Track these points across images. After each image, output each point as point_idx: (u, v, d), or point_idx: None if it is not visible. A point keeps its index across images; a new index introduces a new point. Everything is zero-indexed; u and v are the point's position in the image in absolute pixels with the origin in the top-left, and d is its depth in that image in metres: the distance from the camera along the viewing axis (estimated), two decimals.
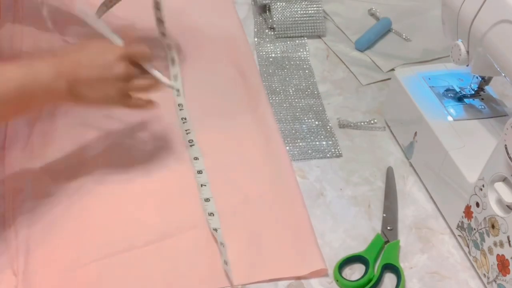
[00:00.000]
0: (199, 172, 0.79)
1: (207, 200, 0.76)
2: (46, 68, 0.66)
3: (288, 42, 1.05)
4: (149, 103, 0.75)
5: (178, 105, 0.88)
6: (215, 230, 0.72)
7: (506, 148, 0.63)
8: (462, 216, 0.72)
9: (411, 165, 0.84)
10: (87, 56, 0.69)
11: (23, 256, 0.68)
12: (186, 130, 0.85)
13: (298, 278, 0.70)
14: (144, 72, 0.73)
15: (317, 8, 1.06)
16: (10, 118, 0.78)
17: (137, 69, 0.71)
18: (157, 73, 0.73)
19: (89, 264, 0.69)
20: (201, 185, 0.78)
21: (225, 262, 0.69)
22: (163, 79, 0.74)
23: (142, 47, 0.72)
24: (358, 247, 0.74)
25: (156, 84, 0.74)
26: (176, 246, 0.72)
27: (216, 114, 0.89)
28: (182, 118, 0.86)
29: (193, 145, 0.83)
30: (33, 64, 0.66)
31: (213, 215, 0.74)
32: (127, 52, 0.71)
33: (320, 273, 0.70)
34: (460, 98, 0.81)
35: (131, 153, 0.82)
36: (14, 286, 0.66)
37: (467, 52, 0.73)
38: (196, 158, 0.81)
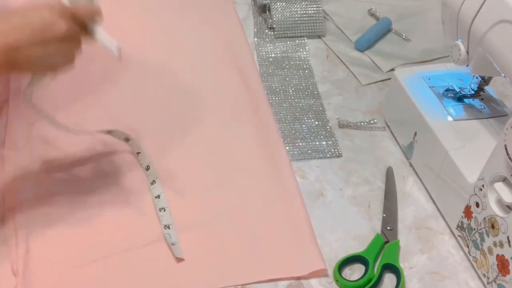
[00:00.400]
0: (147, 168, 0.78)
1: (157, 197, 0.76)
2: None
3: (288, 42, 1.05)
4: None
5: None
6: (167, 226, 0.72)
7: (506, 148, 0.63)
8: (462, 216, 0.72)
9: (411, 165, 0.84)
10: (21, 18, 0.58)
11: (22, 256, 0.68)
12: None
13: (298, 278, 0.70)
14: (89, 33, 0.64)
15: (317, 8, 1.06)
16: None
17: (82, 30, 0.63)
18: (104, 36, 0.63)
19: (88, 264, 0.69)
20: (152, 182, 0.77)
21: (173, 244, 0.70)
22: (111, 43, 0.64)
23: (89, 4, 0.63)
24: (358, 247, 0.74)
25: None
26: (180, 245, 0.71)
27: (215, 114, 0.89)
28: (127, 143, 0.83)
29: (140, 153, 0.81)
30: None
31: (165, 210, 0.74)
32: (69, 8, 0.61)
33: (319, 273, 0.70)
34: (460, 98, 0.81)
35: (132, 153, 0.82)
36: (13, 286, 0.66)
37: (467, 52, 0.73)
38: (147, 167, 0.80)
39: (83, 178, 0.78)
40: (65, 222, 0.73)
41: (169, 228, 0.72)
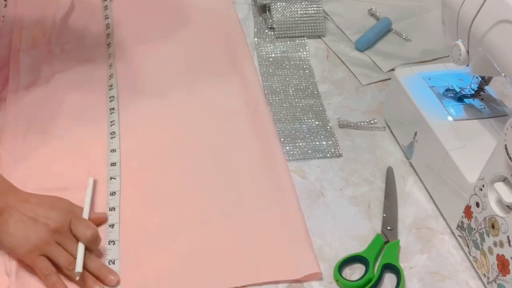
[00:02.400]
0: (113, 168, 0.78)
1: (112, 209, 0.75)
2: None
3: (288, 42, 1.05)
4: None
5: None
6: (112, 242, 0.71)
7: (506, 148, 0.63)
8: (462, 216, 0.72)
9: (411, 165, 0.84)
10: (40, 197, 0.69)
11: (16, 256, 0.68)
12: (110, 122, 0.85)
13: (298, 279, 0.70)
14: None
15: (317, 8, 1.06)
16: None
17: (71, 243, 0.67)
18: (79, 259, 0.66)
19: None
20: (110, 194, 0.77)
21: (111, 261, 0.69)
22: (78, 267, 0.65)
23: (97, 234, 0.68)
24: (358, 247, 0.74)
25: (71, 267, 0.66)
26: (174, 247, 0.71)
27: (214, 114, 0.89)
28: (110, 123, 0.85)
29: (114, 137, 0.83)
30: None
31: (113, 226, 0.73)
32: (80, 220, 0.68)
33: (314, 277, 0.70)
34: (460, 98, 0.81)
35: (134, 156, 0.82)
36: (6, 286, 0.66)
37: (467, 52, 0.73)
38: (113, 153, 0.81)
39: (78, 178, 0.78)
40: None
41: (113, 263, 0.69)
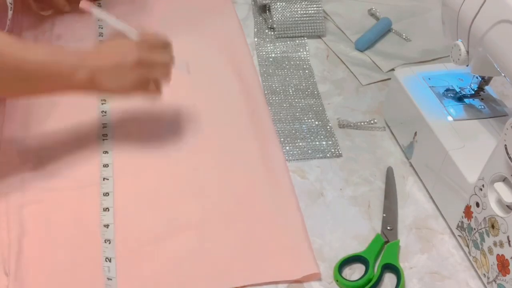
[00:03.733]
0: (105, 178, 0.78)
1: (106, 226, 0.74)
2: (71, 55, 0.71)
3: (288, 42, 1.05)
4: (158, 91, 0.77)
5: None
6: (108, 259, 0.70)
7: (506, 148, 0.63)
8: (462, 216, 0.72)
9: (411, 165, 0.84)
10: (107, 47, 0.75)
11: (15, 256, 0.68)
12: (102, 124, 0.85)
13: (297, 279, 0.70)
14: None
15: (317, 8, 1.06)
16: (20, 95, 0.79)
17: (155, 55, 0.75)
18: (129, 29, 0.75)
19: (82, 264, 0.69)
20: (104, 208, 0.75)
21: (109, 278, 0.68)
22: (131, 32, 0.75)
23: (153, 33, 0.76)
24: (358, 247, 0.74)
25: (168, 66, 0.77)
26: (173, 247, 0.71)
27: (212, 114, 0.89)
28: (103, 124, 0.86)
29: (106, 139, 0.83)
30: (59, 49, 0.75)
31: (110, 242, 0.72)
32: (141, 40, 0.75)
33: (313, 277, 0.70)
34: (460, 98, 0.81)
35: (130, 154, 0.82)
36: (5, 286, 0.66)
37: (467, 52, 0.73)
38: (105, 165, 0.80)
39: (77, 179, 0.78)
40: (57, 222, 0.72)
41: (110, 261, 0.69)
